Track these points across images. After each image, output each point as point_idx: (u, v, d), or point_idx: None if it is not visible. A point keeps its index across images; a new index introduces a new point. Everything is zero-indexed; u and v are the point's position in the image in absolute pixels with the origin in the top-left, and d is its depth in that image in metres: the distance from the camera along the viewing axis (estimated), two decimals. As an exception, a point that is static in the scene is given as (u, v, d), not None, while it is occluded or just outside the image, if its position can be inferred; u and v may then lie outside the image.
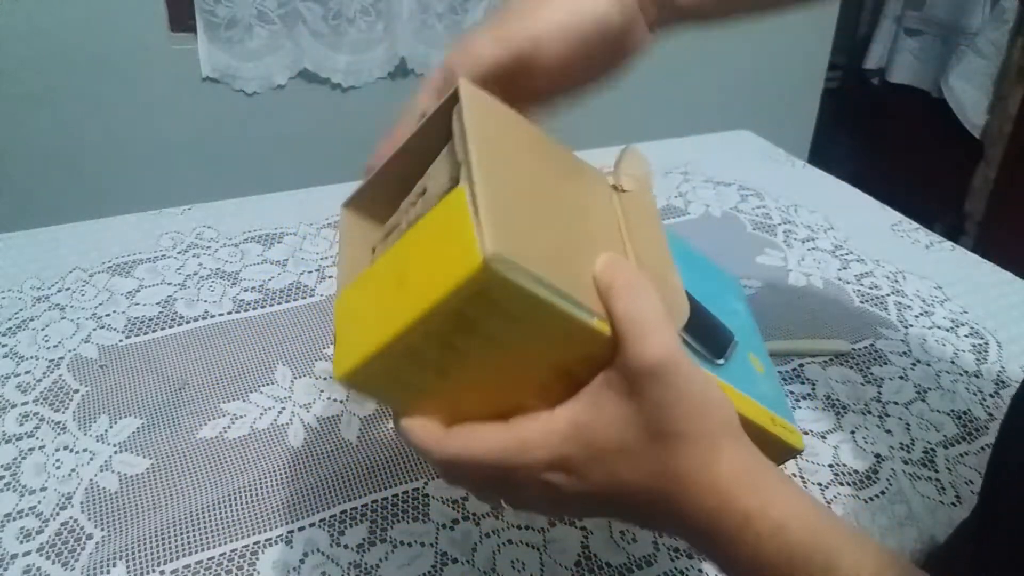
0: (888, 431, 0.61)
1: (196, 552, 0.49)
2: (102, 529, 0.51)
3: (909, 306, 0.76)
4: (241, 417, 0.60)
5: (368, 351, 0.29)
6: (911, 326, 0.73)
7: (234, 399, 0.62)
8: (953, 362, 0.69)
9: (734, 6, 0.45)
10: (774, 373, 0.45)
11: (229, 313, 0.72)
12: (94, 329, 0.69)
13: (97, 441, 0.57)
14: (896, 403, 0.64)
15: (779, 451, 0.39)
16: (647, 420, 0.29)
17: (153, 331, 0.69)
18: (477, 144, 0.30)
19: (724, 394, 0.31)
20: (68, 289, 0.74)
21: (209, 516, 0.52)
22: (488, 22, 0.39)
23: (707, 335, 0.40)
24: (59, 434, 0.58)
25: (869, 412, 0.63)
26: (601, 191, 0.38)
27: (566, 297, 0.28)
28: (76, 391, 0.62)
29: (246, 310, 0.72)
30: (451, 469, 0.33)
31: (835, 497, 0.56)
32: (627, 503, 0.31)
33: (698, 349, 0.39)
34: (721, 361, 0.40)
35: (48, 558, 0.49)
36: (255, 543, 0.50)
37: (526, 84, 0.39)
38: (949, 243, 0.88)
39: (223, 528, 0.51)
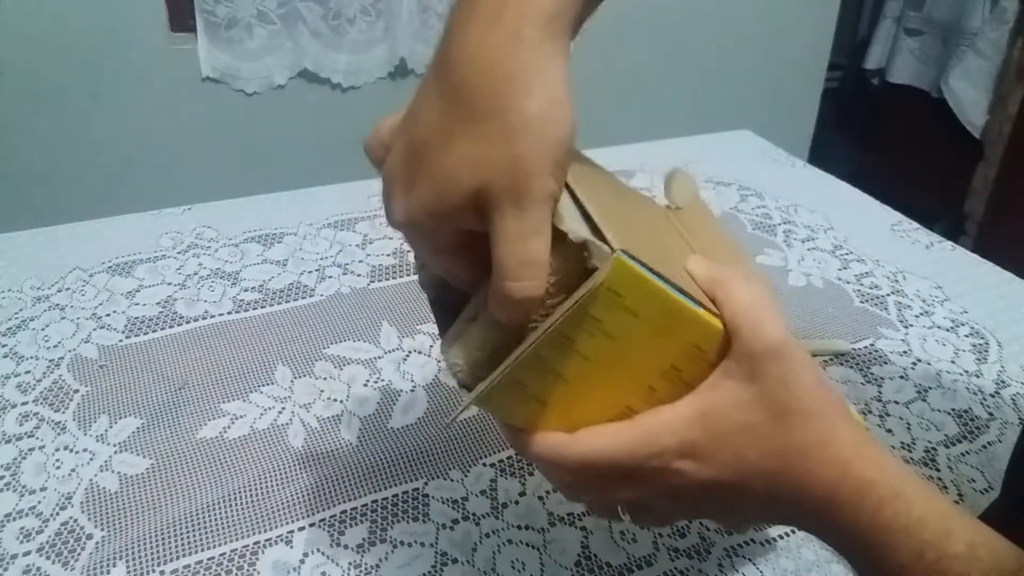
0: (889, 431, 0.61)
1: (196, 552, 0.49)
2: (102, 529, 0.51)
3: (909, 306, 0.76)
4: (241, 417, 0.60)
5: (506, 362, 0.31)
6: (911, 326, 0.73)
7: (234, 399, 0.62)
8: (953, 362, 0.69)
9: None
10: None
11: (229, 313, 0.71)
12: (94, 329, 0.69)
13: (97, 441, 0.57)
14: (897, 402, 0.64)
15: None
16: (770, 400, 0.31)
17: (153, 331, 0.69)
18: (587, 197, 0.33)
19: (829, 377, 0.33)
20: (68, 289, 0.74)
21: (209, 516, 0.52)
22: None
23: None
24: (59, 434, 0.58)
25: (870, 412, 0.63)
26: (659, 211, 0.43)
27: (679, 290, 0.31)
28: (76, 391, 0.62)
29: (246, 310, 0.72)
30: (581, 472, 0.33)
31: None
32: (749, 487, 0.32)
33: None
34: None
35: (48, 558, 0.49)
36: (255, 543, 0.50)
37: None
38: (949, 243, 0.88)
39: (223, 528, 0.51)
